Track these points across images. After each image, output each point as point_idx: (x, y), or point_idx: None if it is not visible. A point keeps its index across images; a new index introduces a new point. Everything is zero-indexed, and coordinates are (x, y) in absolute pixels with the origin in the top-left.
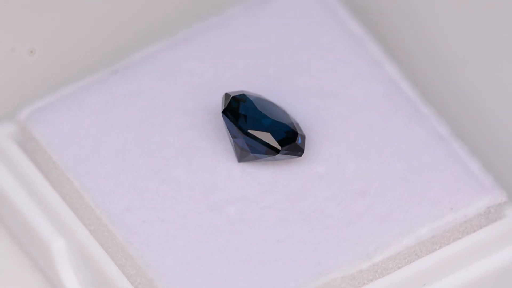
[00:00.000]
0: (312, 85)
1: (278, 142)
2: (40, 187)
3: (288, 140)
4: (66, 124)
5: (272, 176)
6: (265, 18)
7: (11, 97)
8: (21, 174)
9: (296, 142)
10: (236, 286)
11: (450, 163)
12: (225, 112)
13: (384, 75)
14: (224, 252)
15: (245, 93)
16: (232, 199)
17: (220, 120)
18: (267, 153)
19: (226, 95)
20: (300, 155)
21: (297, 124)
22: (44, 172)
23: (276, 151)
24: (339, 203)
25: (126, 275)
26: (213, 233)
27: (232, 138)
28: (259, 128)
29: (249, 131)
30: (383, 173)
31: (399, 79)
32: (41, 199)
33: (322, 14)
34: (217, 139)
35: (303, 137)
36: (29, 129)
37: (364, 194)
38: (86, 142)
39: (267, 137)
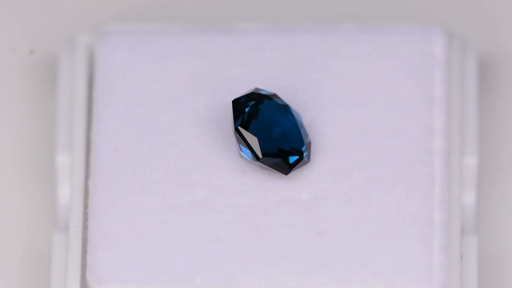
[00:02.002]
0: (357, 122)
1: (265, 154)
2: (77, 102)
3: (276, 155)
4: (123, 56)
5: (259, 181)
6: (366, 45)
7: (104, 10)
8: (74, 84)
9: (285, 160)
10: (147, 261)
11: (420, 245)
12: (234, 102)
13: (427, 144)
14: (163, 226)
15: (273, 96)
16: (207, 185)
17: None
18: (246, 156)
19: (255, 89)
20: (285, 174)
21: (307, 146)
22: (89, 89)
23: (257, 158)
24: (294, 233)
25: (85, 207)
26: (168, 206)
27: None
28: (252, 131)
29: (239, 128)
30: (353, 225)
31: (438, 154)
32: (72, 113)
33: (417, 65)
34: None
35: (299, 160)
36: (96, 45)
37: (321, 235)
38: (126, 79)
39: (253, 141)
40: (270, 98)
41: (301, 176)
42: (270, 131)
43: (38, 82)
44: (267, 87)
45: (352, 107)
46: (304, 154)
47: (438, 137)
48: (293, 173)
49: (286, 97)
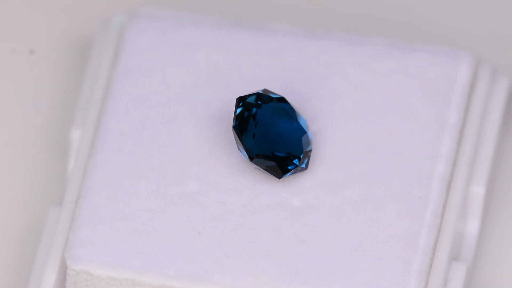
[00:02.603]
0: (364, 136)
1: (258, 155)
2: (100, 82)
3: (270, 158)
4: (149, 40)
5: (254, 182)
6: (390, 61)
7: None
8: (101, 63)
9: (278, 164)
10: (126, 245)
11: (398, 266)
12: (238, 99)
13: (429, 167)
14: (149, 213)
15: (280, 99)
16: (203, 179)
17: None
18: (243, 155)
19: (264, 90)
20: (278, 178)
21: (305, 153)
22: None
23: (250, 158)
24: (277, 237)
25: (82, 183)
26: (159, 194)
27: None
28: (250, 131)
29: (237, 126)
30: (337, 237)
31: (438, 179)
32: (99, 92)
33: (437, 87)
34: None
35: (294, 166)
36: (126, 27)
37: (303, 243)
38: (147, 64)
39: (248, 141)
40: (276, 101)
41: (297, 182)
42: (268, 133)
43: (74, 62)
44: (283, 90)
45: (363, 120)
46: (301, 161)
47: (442, 162)
48: (289, 179)
49: (299, 102)
